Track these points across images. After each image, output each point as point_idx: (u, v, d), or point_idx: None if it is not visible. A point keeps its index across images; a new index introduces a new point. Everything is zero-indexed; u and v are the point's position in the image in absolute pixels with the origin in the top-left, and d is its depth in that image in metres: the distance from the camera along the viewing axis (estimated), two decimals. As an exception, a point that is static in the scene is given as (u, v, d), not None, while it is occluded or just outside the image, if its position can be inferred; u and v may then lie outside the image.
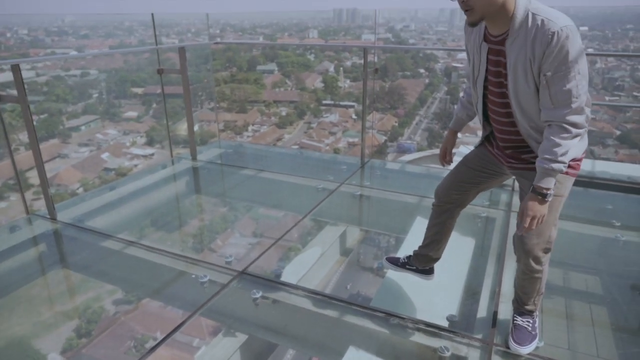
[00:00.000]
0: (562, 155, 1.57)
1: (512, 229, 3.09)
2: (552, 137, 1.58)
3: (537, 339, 2.00)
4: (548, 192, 1.63)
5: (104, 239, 3.06)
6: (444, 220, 2.16)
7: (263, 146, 8.25)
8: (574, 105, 1.53)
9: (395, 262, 2.43)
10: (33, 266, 3.08)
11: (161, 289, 2.86)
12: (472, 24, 1.62)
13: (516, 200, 3.54)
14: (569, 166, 1.70)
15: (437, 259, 2.30)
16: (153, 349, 2.10)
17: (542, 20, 1.50)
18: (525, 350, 1.96)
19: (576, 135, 1.58)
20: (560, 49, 1.47)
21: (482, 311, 2.28)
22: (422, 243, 2.28)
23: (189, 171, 4.48)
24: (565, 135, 1.56)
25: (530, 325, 2.01)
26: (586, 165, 4.80)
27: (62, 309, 2.96)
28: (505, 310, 2.24)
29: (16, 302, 2.76)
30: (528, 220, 1.67)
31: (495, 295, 2.37)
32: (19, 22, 18.42)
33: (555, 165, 1.58)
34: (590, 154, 14.12)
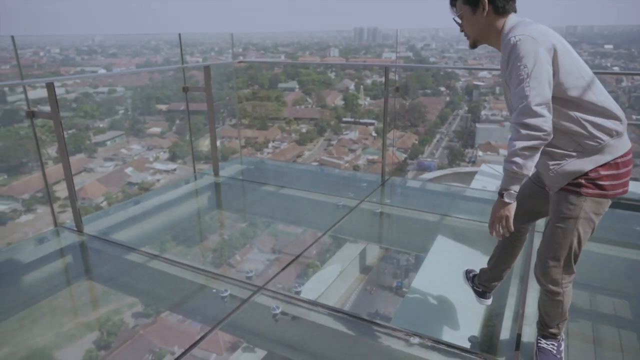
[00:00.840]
0: (512, 155, 1.54)
1: (536, 248, 3.04)
2: (509, 138, 1.59)
3: None
4: (504, 192, 1.61)
5: (127, 252, 3.12)
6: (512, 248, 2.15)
7: (284, 163, 8.32)
8: (521, 106, 1.52)
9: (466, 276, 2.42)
10: (59, 277, 3.16)
11: (182, 303, 2.88)
12: (470, 47, 1.83)
13: (540, 220, 3.49)
14: (581, 185, 1.62)
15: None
16: (173, 362, 2.11)
17: (509, 35, 1.62)
18: None
19: (531, 138, 1.51)
20: (512, 53, 1.56)
21: (505, 333, 2.23)
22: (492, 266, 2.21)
23: (211, 186, 4.55)
24: (515, 136, 1.54)
25: (555, 348, 1.96)
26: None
27: (84, 321, 3.01)
28: (529, 333, 2.19)
29: (40, 313, 2.82)
30: (490, 221, 1.71)
31: (518, 317, 2.31)
32: (52, 42, 19.19)
33: (506, 165, 1.57)
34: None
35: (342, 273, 3.14)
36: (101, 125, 16.83)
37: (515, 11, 1.75)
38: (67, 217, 3.44)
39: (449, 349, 2.08)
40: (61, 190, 3.39)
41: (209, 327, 2.32)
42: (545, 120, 1.51)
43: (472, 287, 2.35)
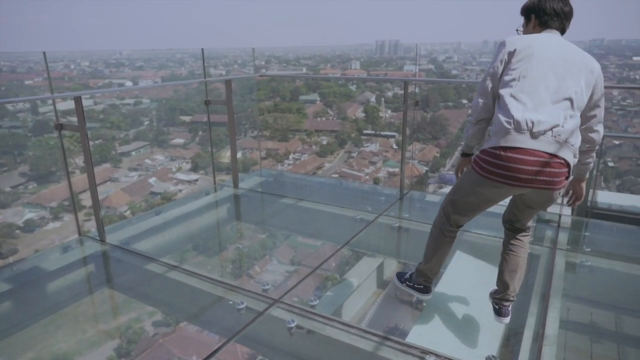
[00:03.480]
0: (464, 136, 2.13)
1: (558, 267, 2.97)
2: None
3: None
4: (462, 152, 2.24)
5: (148, 262, 3.18)
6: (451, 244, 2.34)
7: (303, 175, 8.36)
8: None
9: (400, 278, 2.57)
10: (81, 286, 3.23)
11: (199, 314, 2.91)
12: None
13: (562, 237, 3.41)
14: (474, 160, 2.00)
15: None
16: (189, 373, 2.13)
17: None
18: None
19: (472, 122, 2.05)
20: None
21: (525, 353, 2.18)
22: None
23: (231, 198, 4.61)
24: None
25: None
26: (639, 202, 4.55)
27: (105, 328, 3.07)
28: (549, 353, 2.13)
29: (64, 319, 2.89)
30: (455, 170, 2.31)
31: (538, 337, 2.26)
32: (82, 56, 19.85)
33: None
34: (646, 191, 13.35)
35: (359, 287, 3.12)
36: (126, 136, 17.24)
37: (557, 29, 2.01)
38: (92, 225, 3.53)
39: (465, 368, 2.04)
40: (87, 199, 3.48)
41: (225, 339, 2.33)
42: (476, 104, 1.99)
43: (412, 287, 2.45)
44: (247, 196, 4.68)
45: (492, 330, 2.36)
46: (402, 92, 4.11)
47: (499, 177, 1.85)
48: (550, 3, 1.98)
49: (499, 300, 2.20)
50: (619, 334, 2.63)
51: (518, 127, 1.79)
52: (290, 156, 18.26)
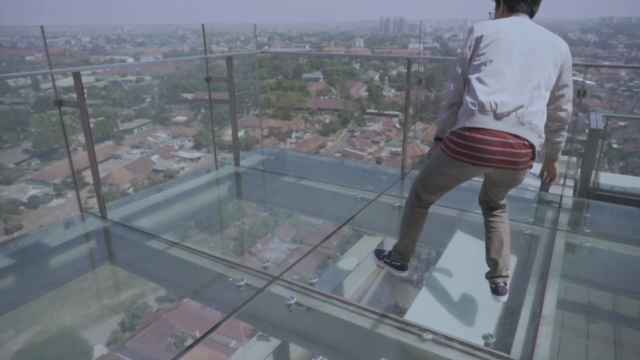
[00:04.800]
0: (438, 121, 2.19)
1: (558, 248, 2.97)
2: None
3: None
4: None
5: (149, 239, 3.20)
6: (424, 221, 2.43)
7: (304, 154, 8.34)
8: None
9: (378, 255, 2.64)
10: (84, 261, 3.27)
11: (200, 290, 2.95)
12: None
13: (563, 218, 3.41)
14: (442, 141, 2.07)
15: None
16: (189, 347, 2.17)
17: None
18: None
19: (444, 107, 2.11)
20: None
21: (521, 332, 2.20)
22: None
23: (232, 176, 4.61)
24: None
25: None
26: (642, 184, 4.53)
27: (109, 303, 3.11)
28: (546, 332, 2.15)
29: (68, 294, 2.94)
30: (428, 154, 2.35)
31: (535, 316, 2.28)
32: (83, 31, 19.62)
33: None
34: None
35: (358, 266, 3.14)
36: (129, 113, 17.17)
37: (526, 12, 2.06)
38: (95, 202, 3.55)
39: (462, 346, 2.07)
40: (90, 176, 3.49)
41: (225, 315, 2.36)
42: (448, 90, 2.07)
43: (390, 264, 2.51)
44: (249, 174, 4.68)
45: (489, 309, 2.38)
46: (406, 70, 4.05)
47: (463, 156, 1.92)
48: None
49: (492, 278, 2.24)
50: (616, 314, 2.65)
51: (482, 109, 1.86)
52: (293, 135, 18.19)
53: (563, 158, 4.33)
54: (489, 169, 1.95)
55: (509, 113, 1.84)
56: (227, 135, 4.79)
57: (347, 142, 18.11)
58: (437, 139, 2.25)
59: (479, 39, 1.96)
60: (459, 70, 2.03)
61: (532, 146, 1.89)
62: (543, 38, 1.96)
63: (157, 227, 3.54)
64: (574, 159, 4.25)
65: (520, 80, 1.88)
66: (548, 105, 1.99)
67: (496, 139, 1.84)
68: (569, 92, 2.04)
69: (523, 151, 1.87)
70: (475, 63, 1.95)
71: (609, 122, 4.25)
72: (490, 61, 1.90)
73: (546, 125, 2.04)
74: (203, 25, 4.08)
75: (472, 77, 1.93)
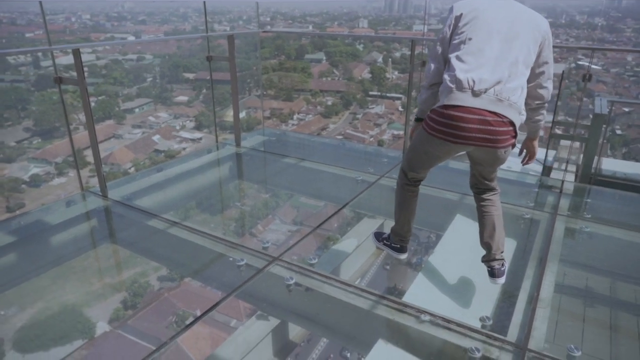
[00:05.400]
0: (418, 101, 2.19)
1: (557, 232, 2.98)
2: None
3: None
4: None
5: (149, 218, 3.21)
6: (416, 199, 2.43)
7: (305, 135, 8.30)
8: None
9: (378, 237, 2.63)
10: (85, 240, 3.29)
11: (200, 270, 2.97)
12: None
13: (564, 203, 3.41)
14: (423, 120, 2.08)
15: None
16: (189, 326, 2.20)
17: None
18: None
19: (425, 87, 2.12)
20: None
21: (518, 315, 2.22)
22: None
23: (233, 157, 4.60)
24: None
25: None
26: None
27: (111, 282, 3.15)
28: (542, 316, 2.17)
29: (70, 272, 2.96)
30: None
31: (533, 299, 2.29)
32: (83, 8, 19.37)
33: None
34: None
35: (358, 247, 3.15)
36: (130, 93, 17.08)
37: None
38: (96, 181, 3.56)
39: (459, 328, 2.09)
40: (92, 155, 3.48)
41: (225, 294, 2.39)
42: (428, 69, 2.09)
43: (390, 246, 2.51)
44: (249, 155, 4.67)
45: (487, 292, 2.40)
46: (410, 52, 4.00)
47: (442, 134, 1.94)
48: None
49: (488, 262, 2.25)
50: (613, 299, 2.66)
51: (460, 86, 1.86)
52: (295, 116, 18.10)
53: (566, 143, 4.31)
54: (468, 146, 1.96)
55: (486, 90, 1.84)
56: (229, 115, 4.77)
57: (349, 125, 18.03)
58: (418, 119, 2.26)
59: (458, 18, 1.97)
60: (439, 50, 2.04)
61: (512, 124, 1.89)
62: (522, 15, 1.96)
63: (157, 207, 3.55)
64: (577, 144, 4.22)
65: (499, 56, 1.88)
66: (528, 82, 2.00)
67: (473, 116, 1.85)
68: (549, 70, 2.03)
69: (501, 129, 1.87)
70: (454, 42, 1.96)
71: (613, 108, 4.21)
72: (469, 39, 1.91)
73: (526, 103, 2.05)
74: (204, 2, 4.02)
75: (452, 56, 1.94)
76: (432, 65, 2.06)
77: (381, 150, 6.56)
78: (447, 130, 1.91)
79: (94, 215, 3.38)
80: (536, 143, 2.32)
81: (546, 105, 2.14)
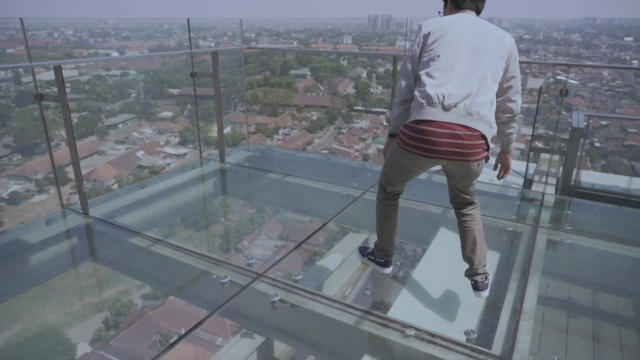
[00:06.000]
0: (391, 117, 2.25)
1: (539, 244, 3.02)
2: None
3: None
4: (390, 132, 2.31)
5: (131, 236, 3.16)
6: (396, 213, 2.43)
7: (290, 150, 8.32)
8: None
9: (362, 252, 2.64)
10: (65, 258, 3.22)
11: (184, 288, 2.93)
12: None
13: (545, 215, 3.46)
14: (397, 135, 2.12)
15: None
16: (172, 345, 2.15)
17: None
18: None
19: (397, 103, 2.17)
20: None
21: (502, 327, 2.23)
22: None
23: (217, 173, 4.58)
24: None
25: None
26: (621, 182, 4.62)
27: (92, 301, 3.07)
28: (526, 328, 2.19)
29: (50, 292, 2.89)
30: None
31: (516, 312, 2.31)
32: (66, 24, 19.27)
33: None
34: (632, 170, 13.56)
35: (344, 262, 3.14)
36: (113, 108, 16.94)
37: (472, 9, 2.14)
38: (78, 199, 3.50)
39: (444, 342, 2.09)
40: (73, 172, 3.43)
41: (209, 312, 2.35)
42: (400, 86, 2.13)
43: (374, 261, 2.52)
44: (234, 170, 4.65)
45: (472, 306, 2.41)
46: (393, 68, 4.07)
47: (415, 148, 1.98)
48: None
49: (471, 276, 2.27)
50: (595, 309, 2.70)
51: (430, 101, 1.90)
52: (280, 131, 18.13)
53: (545, 156, 4.40)
54: (441, 160, 2.00)
55: (456, 104, 1.89)
56: (214, 131, 4.76)
57: (334, 139, 18.12)
58: (391, 135, 2.30)
59: (426, 36, 2.03)
60: (409, 67, 2.09)
61: (484, 137, 1.93)
62: (488, 32, 2.03)
63: (140, 224, 3.50)
64: (557, 157, 4.32)
65: (467, 72, 1.93)
66: (498, 96, 2.06)
67: (444, 130, 1.89)
68: (517, 84, 2.10)
69: (473, 142, 1.91)
70: (424, 59, 2.01)
71: (591, 121, 4.32)
72: (438, 56, 1.96)
73: (497, 117, 2.12)
74: (188, 19, 4.04)
75: (422, 73, 1.99)
76: (403, 83, 2.12)
77: (365, 164, 6.59)
78: (419, 144, 1.95)
79: (74, 233, 3.32)
80: (509, 156, 2.38)
81: (516, 118, 2.20)
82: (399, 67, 4.03)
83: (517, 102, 2.14)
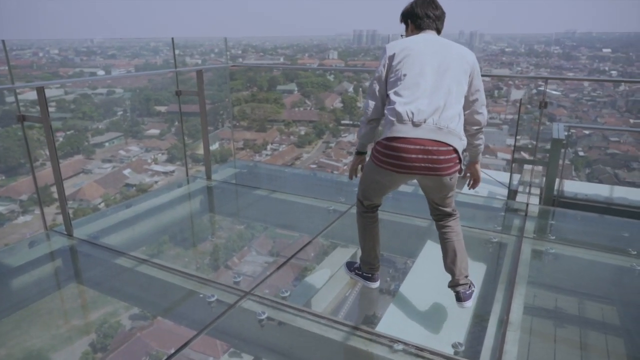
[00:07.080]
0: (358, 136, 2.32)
1: (524, 255, 3.05)
2: None
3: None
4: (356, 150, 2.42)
5: (117, 256, 3.13)
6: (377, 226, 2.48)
7: (277, 166, 8.33)
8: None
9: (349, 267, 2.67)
10: (49, 281, 3.17)
11: (171, 308, 2.89)
12: None
13: (529, 225, 3.51)
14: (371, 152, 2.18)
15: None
16: (158, 367, 2.12)
17: None
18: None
19: (364, 122, 2.23)
20: None
21: (490, 339, 2.24)
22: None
23: (204, 190, 4.56)
24: None
25: None
26: (603, 191, 4.71)
27: (79, 324, 3.02)
28: (513, 339, 2.20)
29: (35, 315, 2.83)
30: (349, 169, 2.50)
31: (503, 323, 2.33)
32: (51, 43, 19.21)
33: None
34: (615, 177, 13.81)
35: (332, 278, 3.14)
36: (99, 127, 16.83)
37: (433, 29, 2.23)
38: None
39: (432, 355, 2.09)
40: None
41: (196, 332, 2.32)
42: (367, 106, 2.19)
43: (361, 275, 2.55)
44: (221, 188, 4.64)
45: (459, 318, 2.42)
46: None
47: (387, 165, 2.04)
48: (422, 8, 2.22)
49: (454, 287, 2.29)
50: (581, 318, 2.72)
51: (400, 118, 1.97)
52: (268, 147, 18.15)
53: (528, 167, 4.47)
54: (413, 175, 2.06)
55: (425, 120, 1.95)
56: (201, 148, 4.75)
57: (323, 153, 18.19)
58: (358, 152, 2.39)
59: (391, 57, 2.11)
60: (376, 88, 2.16)
61: (455, 151, 1.99)
62: (450, 50, 2.11)
63: (125, 244, 3.47)
64: (540, 167, 4.39)
65: (434, 88, 2.00)
66: (464, 110, 2.14)
67: (415, 146, 1.95)
68: (481, 96, 2.18)
69: (443, 157, 1.96)
70: (391, 79, 2.09)
71: (574, 131, 4.41)
72: (404, 75, 2.03)
73: (465, 130, 2.17)
74: (172, 39, 4.07)
75: (390, 92, 2.06)
76: (370, 102, 2.18)
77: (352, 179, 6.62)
78: (391, 161, 2.01)
79: (58, 255, 3.27)
80: (479, 166, 2.45)
81: (483, 129, 2.29)
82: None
83: (484, 114, 2.22)
